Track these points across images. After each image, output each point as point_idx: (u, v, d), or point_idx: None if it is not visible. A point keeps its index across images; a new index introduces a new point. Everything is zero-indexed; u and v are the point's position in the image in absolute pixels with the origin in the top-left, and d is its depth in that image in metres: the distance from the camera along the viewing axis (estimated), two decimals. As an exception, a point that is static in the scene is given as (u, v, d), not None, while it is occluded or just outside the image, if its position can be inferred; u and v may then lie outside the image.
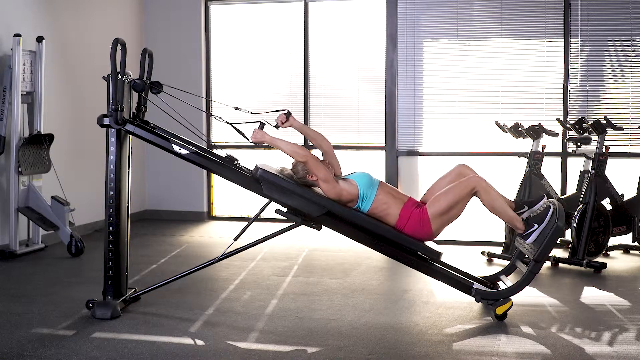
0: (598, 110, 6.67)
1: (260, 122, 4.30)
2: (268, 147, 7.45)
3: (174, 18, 7.89)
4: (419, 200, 4.36)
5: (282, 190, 4.17)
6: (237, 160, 4.30)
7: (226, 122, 4.41)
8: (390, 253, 4.28)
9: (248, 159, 5.90)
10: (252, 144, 4.27)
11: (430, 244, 4.30)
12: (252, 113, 4.44)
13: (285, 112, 4.43)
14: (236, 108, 4.44)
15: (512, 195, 5.88)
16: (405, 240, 4.21)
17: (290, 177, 4.25)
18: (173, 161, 6.03)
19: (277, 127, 4.46)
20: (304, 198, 4.17)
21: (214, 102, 7.43)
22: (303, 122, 7.46)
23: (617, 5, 6.63)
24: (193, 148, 4.26)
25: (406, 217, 4.19)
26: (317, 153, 4.60)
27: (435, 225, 4.18)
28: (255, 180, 4.20)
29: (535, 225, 4.21)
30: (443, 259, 4.31)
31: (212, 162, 4.26)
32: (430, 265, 4.28)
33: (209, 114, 4.91)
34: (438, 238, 4.39)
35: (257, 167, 4.19)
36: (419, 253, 4.25)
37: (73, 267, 5.58)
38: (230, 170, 4.24)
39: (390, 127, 7.16)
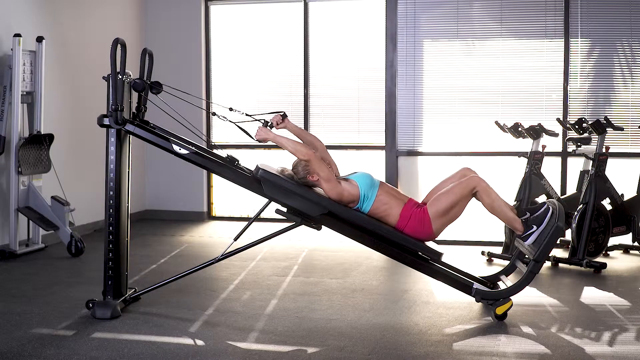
0: (598, 110, 6.67)
1: (264, 120, 4.31)
2: (269, 147, 7.53)
3: (174, 18, 7.89)
4: (420, 202, 4.37)
5: (284, 191, 4.16)
6: (238, 161, 4.31)
7: (230, 120, 4.41)
8: (391, 253, 4.27)
9: (248, 159, 5.92)
10: (257, 142, 4.30)
11: (430, 244, 4.30)
12: (247, 115, 4.44)
13: (282, 113, 4.43)
14: (230, 109, 4.46)
15: (512, 195, 5.88)
16: (406, 241, 4.22)
17: (291, 177, 4.25)
18: (173, 161, 6.04)
19: (271, 127, 4.44)
20: (305, 198, 4.17)
21: (213, 102, 7.43)
22: (304, 122, 7.48)
23: (617, 5, 6.63)
24: (193, 148, 4.26)
25: (407, 217, 4.20)
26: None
27: (436, 225, 4.20)
28: (256, 181, 4.20)
29: (534, 227, 4.22)
30: (443, 259, 4.31)
31: (212, 162, 4.27)
32: (431, 265, 4.28)
33: (211, 113, 4.93)
34: (438, 238, 4.39)
35: (257, 168, 4.19)
36: (420, 253, 4.26)
37: (73, 267, 5.58)
38: (231, 170, 4.25)
39: (390, 127, 7.16)
